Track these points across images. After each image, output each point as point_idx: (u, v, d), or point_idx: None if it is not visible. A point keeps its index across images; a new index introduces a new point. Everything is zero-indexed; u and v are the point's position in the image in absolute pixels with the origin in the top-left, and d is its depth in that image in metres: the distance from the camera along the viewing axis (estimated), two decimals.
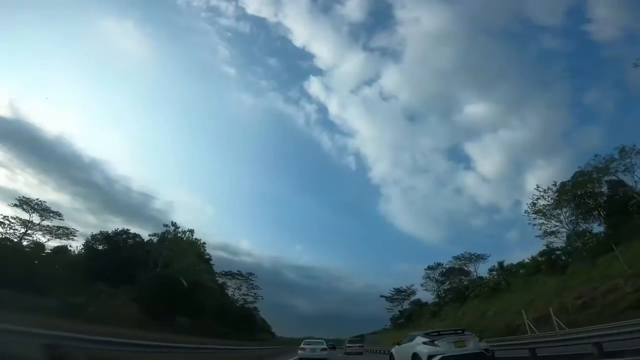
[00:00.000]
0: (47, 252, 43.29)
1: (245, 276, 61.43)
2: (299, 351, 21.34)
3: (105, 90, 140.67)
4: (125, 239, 39.74)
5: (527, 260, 43.39)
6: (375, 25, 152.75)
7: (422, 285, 64.38)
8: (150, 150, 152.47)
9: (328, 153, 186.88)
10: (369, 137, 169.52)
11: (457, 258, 55.73)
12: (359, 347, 34.51)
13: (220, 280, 56.76)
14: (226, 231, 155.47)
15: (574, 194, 35.65)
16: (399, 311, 74.07)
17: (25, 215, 44.17)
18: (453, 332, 12.29)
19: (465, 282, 56.04)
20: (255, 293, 63.24)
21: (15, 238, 43.41)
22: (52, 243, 45.09)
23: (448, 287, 60.54)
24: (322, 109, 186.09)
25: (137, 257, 36.78)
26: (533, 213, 36.99)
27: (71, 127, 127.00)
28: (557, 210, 35.69)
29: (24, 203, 44.98)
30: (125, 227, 41.46)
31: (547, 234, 35.35)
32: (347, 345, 36.48)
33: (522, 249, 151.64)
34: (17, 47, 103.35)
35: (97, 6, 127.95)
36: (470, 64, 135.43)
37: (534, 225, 35.85)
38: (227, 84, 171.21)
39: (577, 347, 11.89)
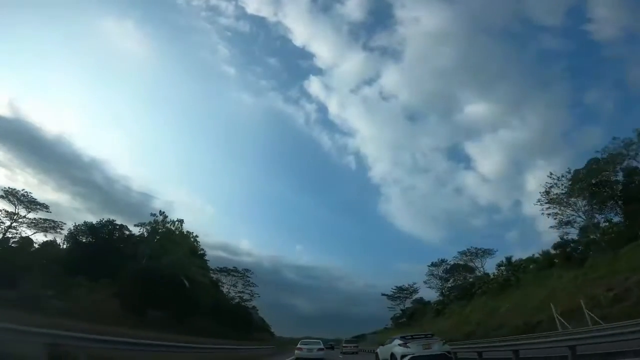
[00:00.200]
0: (36, 247, 41.10)
1: (241, 272, 58.85)
2: (296, 351, 21.34)
3: (105, 89, 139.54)
4: (111, 230, 37.22)
5: (537, 255, 41.15)
6: (375, 25, 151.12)
7: (425, 282, 61.96)
8: (150, 149, 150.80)
9: (328, 153, 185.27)
10: (369, 136, 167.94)
11: (462, 253, 53.27)
12: (354, 347, 37.30)
13: (214, 276, 54.20)
14: (226, 231, 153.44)
15: (588, 182, 33.38)
16: (401, 310, 71.63)
17: (10, 208, 42.02)
18: (424, 336, 14.75)
19: (471, 279, 53.72)
20: (251, 290, 60.67)
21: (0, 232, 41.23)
22: (38, 237, 42.92)
23: (452, 284, 58.17)
24: (322, 109, 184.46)
25: (123, 249, 34.38)
26: (546, 202, 34.73)
27: (71, 126, 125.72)
28: (573, 199, 33.38)
29: (10, 194, 42.66)
30: (111, 218, 39.11)
31: (562, 224, 32.95)
32: (343, 345, 39.56)
33: (522, 248, 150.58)
34: (17, 46, 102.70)
35: (97, 6, 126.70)
36: (470, 64, 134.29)
37: (549, 215, 33.49)
38: (227, 83, 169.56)
39: (625, 343, 9.96)
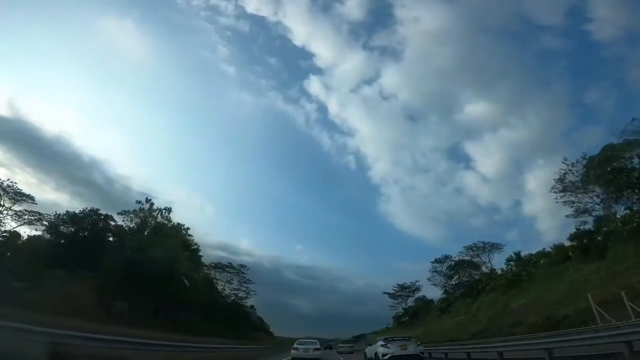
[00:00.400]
0: (23, 240, 38.80)
1: (236, 269, 56.40)
2: (292, 351, 21.27)
3: (104, 89, 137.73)
4: (95, 221, 34.74)
5: (548, 249, 38.90)
6: (375, 25, 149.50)
7: (429, 279, 59.54)
8: (149, 149, 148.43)
9: (328, 152, 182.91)
10: (369, 136, 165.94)
11: (468, 248, 50.79)
12: (349, 347, 41.98)
13: (208, 272, 51.59)
14: (226, 231, 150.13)
15: (603, 169, 31.19)
16: (403, 309, 69.21)
17: None
18: (402, 338, 17.14)
19: (476, 276, 51.42)
20: (247, 287, 58.11)
21: None
22: (24, 229, 40.57)
23: (457, 281, 55.85)
24: (322, 108, 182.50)
25: (108, 240, 32.00)
26: (561, 191, 32.54)
27: (70, 126, 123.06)
28: (589, 186, 31.20)
29: None
30: (95, 207, 36.60)
31: (579, 212, 30.66)
32: (340, 345, 45.62)
33: (522, 248, 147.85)
34: (16, 46, 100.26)
35: (96, 5, 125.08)
36: (471, 64, 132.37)
37: (564, 203, 31.24)
38: (226, 83, 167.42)
39: None
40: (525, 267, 38.48)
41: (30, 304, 18.58)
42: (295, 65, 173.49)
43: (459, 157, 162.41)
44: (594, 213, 31.04)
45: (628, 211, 29.12)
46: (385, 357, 15.38)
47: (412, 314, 64.32)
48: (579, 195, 30.87)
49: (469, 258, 52.35)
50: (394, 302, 70.96)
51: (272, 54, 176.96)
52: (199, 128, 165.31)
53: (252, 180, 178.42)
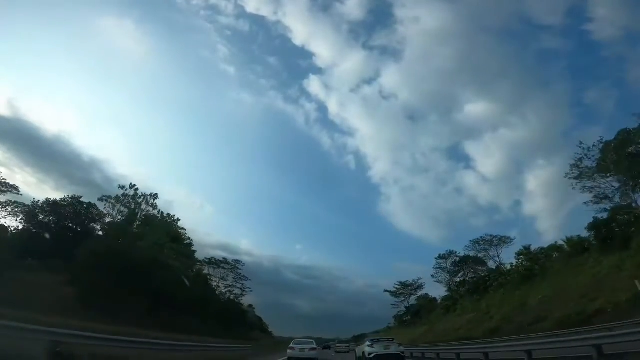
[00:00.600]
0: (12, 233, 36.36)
1: (231, 264, 53.80)
2: (288, 351, 21.20)
3: (104, 89, 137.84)
4: (77, 209, 32.13)
5: (561, 242, 36.74)
6: (375, 24, 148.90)
7: (432, 276, 57.22)
8: (149, 149, 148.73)
9: (328, 152, 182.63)
10: (369, 136, 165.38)
11: (475, 242, 48.44)
12: (345, 346, 44.24)
13: (200, 267, 49.06)
14: (226, 231, 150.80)
15: (621, 154, 29.15)
16: (405, 307, 66.87)
17: None
18: (386, 339, 19.76)
19: (482, 273, 49.18)
20: (242, 284, 55.45)
21: None
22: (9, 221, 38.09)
23: (462, 278, 53.59)
24: (322, 108, 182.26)
25: (91, 230, 29.51)
26: (576, 177, 30.46)
27: (70, 126, 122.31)
28: (608, 172, 29.13)
29: None
30: (77, 194, 33.94)
31: (600, 198, 28.48)
32: (337, 345, 49.08)
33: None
34: (16, 45, 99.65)
35: (96, 5, 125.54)
36: (471, 63, 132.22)
37: (582, 189, 29.13)
38: (226, 82, 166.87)
39: None
40: (538, 261, 36.31)
41: None
42: (295, 64, 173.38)
43: (459, 157, 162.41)
44: (614, 200, 28.78)
45: None
46: (371, 356, 17.61)
47: (415, 313, 62.04)
48: (597, 181, 28.65)
49: (474, 253, 50.04)
50: (395, 301, 68.69)
51: (272, 53, 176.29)
52: (198, 128, 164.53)
53: (252, 180, 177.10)
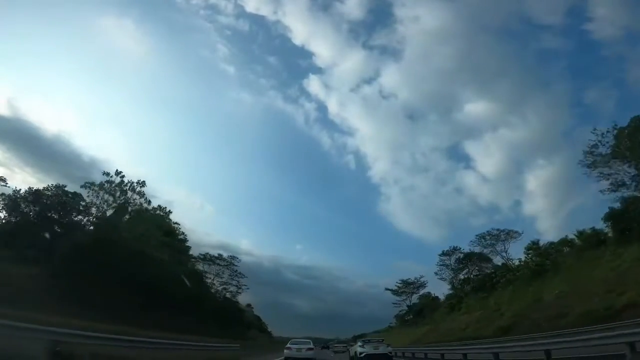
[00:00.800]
0: None
1: (227, 260, 52.02)
2: (285, 351, 21.15)
3: (104, 88, 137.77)
4: (62, 199, 30.34)
5: (572, 236, 35.04)
6: (375, 24, 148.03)
7: (436, 274, 55.40)
8: (149, 149, 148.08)
9: (328, 152, 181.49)
10: (369, 135, 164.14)
11: (481, 237, 46.52)
12: (343, 346, 44.95)
13: (195, 262, 47.30)
14: (226, 231, 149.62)
15: (634, 142, 27.65)
16: (407, 306, 65.07)
17: None
18: (376, 340, 22.04)
19: (488, 270, 47.40)
20: (238, 282, 53.61)
21: None
22: None
23: (466, 275, 51.82)
24: (322, 108, 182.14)
25: (74, 221, 27.79)
26: (590, 165, 28.90)
27: (70, 125, 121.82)
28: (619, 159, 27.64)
29: None
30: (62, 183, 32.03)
31: (617, 185, 26.84)
32: (335, 345, 51.61)
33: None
34: (16, 45, 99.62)
35: (95, 4, 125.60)
36: (471, 63, 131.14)
37: (598, 175, 27.53)
38: (226, 82, 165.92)
39: None
40: (549, 256, 34.58)
41: None
42: (295, 64, 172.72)
43: (458, 157, 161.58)
44: (631, 188, 27.17)
45: None
46: (362, 355, 19.14)
47: (417, 312, 60.25)
48: (613, 168, 27.05)
49: (480, 249, 48.25)
50: (397, 300, 66.88)
51: (272, 53, 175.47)
52: (198, 127, 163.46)
53: (252, 180, 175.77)
